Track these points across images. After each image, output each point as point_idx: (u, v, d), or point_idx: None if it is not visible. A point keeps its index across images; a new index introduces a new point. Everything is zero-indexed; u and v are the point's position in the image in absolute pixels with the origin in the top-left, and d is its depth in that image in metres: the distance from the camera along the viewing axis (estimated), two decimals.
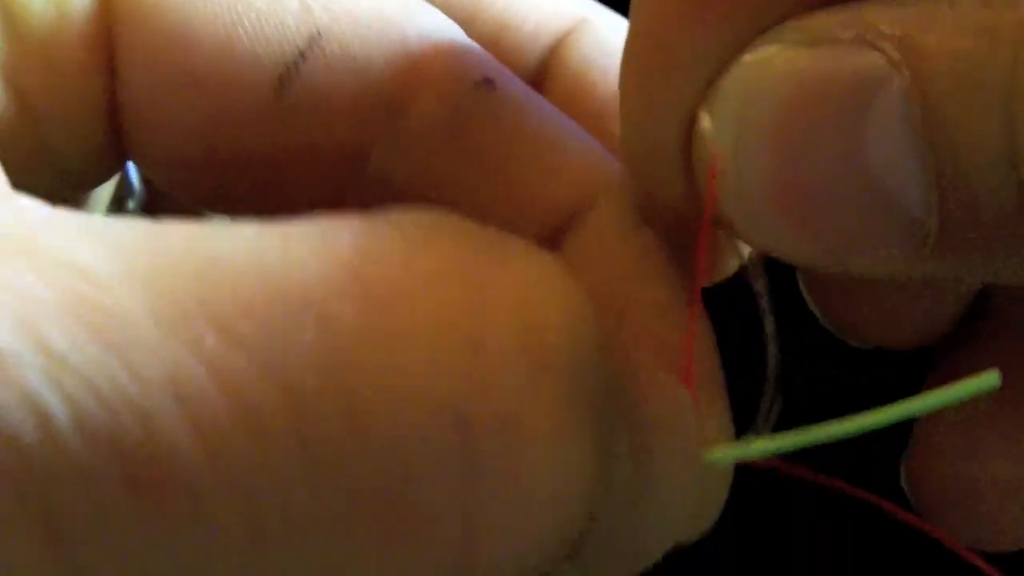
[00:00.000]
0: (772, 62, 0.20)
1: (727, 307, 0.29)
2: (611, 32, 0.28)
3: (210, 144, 0.24)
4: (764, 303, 0.24)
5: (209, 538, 0.16)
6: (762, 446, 0.21)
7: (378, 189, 0.25)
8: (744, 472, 0.22)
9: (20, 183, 0.19)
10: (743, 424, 0.23)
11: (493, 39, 0.27)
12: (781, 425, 0.22)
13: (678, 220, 0.24)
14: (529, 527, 0.17)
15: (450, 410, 0.16)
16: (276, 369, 0.16)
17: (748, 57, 0.21)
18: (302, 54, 0.24)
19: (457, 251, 0.18)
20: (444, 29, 0.25)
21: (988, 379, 0.19)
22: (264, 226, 0.18)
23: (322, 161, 0.25)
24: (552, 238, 0.25)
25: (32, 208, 0.18)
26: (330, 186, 0.25)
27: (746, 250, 0.25)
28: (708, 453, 0.21)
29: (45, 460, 0.15)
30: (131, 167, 0.29)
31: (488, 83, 0.25)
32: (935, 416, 0.25)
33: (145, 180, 0.31)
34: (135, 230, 0.17)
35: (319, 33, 0.24)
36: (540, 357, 0.17)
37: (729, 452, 0.21)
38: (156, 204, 0.31)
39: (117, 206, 0.31)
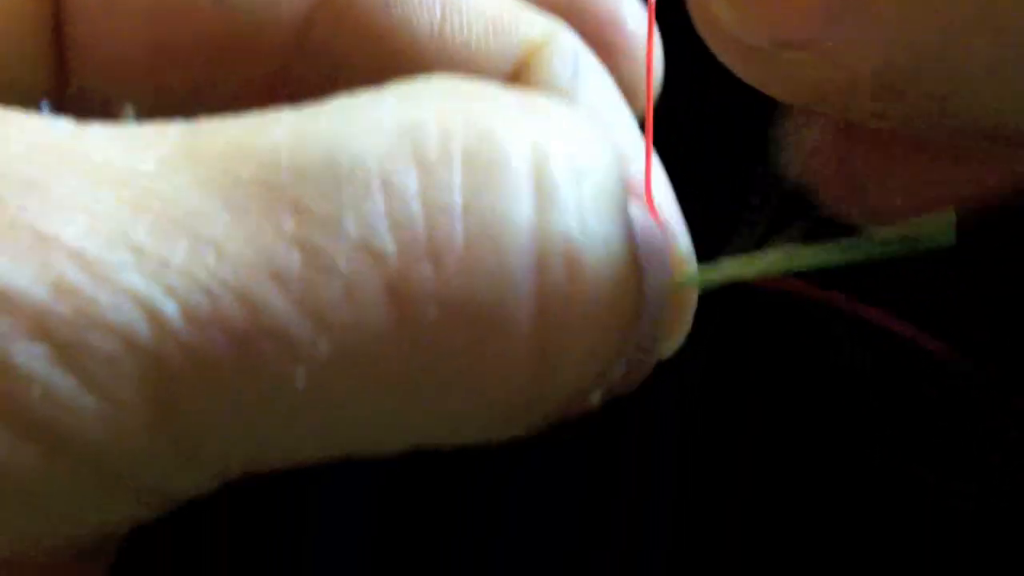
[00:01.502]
0: None
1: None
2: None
3: (155, 39, 0.25)
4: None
5: (312, 393, 0.17)
6: (729, 270, 0.23)
7: (321, 66, 0.26)
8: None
9: None
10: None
11: None
12: None
13: None
14: (595, 342, 0.19)
15: (530, 247, 0.18)
16: (358, 238, 0.17)
17: None
18: None
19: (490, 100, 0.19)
20: None
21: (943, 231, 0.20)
22: (302, 108, 0.19)
23: (265, 44, 0.25)
24: None
25: (70, 125, 0.18)
26: (273, 69, 0.26)
27: None
28: (678, 276, 0.22)
29: (160, 350, 0.16)
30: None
31: None
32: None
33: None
34: (172, 131, 0.18)
35: None
36: (588, 180, 0.19)
37: (696, 276, 0.23)
38: None
39: None
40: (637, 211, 0.21)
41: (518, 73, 0.26)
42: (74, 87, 0.27)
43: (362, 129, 0.18)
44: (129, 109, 0.27)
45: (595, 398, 0.22)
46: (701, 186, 0.26)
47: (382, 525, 0.32)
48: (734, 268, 0.23)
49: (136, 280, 0.16)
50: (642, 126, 0.25)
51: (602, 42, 0.28)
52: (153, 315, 0.16)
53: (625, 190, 0.20)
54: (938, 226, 0.20)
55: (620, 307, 0.19)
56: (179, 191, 0.17)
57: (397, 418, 0.18)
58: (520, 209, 0.18)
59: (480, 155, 0.18)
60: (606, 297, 0.18)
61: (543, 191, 0.18)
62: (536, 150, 0.18)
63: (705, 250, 0.24)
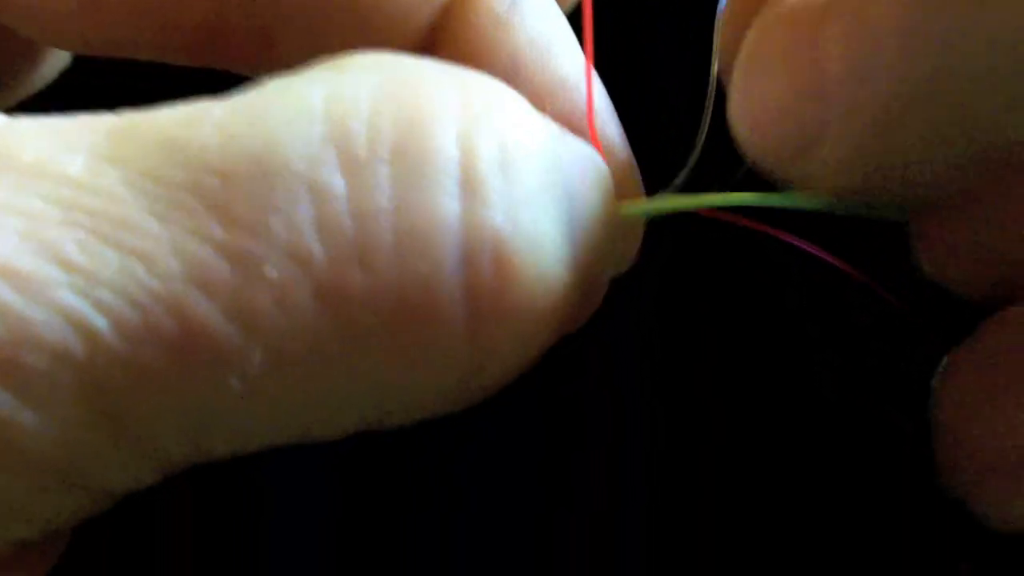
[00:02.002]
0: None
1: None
2: None
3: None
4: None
5: (249, 395, 0.17)
6: (668, 203, 0.23)
7: (253, 17, 0.25)
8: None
9: None
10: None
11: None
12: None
13: None
14: (529, 331, 0.19)
15: (458, 245, 0.18)
16: (286, 244, 0.17)
17: None
18: None
19: (412, 84, 0.19)
20: None
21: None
22: (232, 100, 0.18)
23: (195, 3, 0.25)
24: (434, 28, 0.25)
25: (1, 118, 0.18)
26: (202, 18, 0.25)
27: None
28: (624, 207, 0.22)
29: (94, 365, 0.17)
30: None
31: None
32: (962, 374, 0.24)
33: None
34: (102, 126, 0.18)
35: None
36: (516, 169, 0.19)
37: (641, 206, 0.23)
38: None
39: None
40: (575, 143, 0.21)
41: (453, 2, 0.25)
42: None
43: (289, 129, 0.18)
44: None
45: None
46: (648, 117, 0.26)
47: (342, 507, 0.32)
48: (679, 201, 0.23)
49: (67, 296, 0.17)
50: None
51: None
52: (86, 331, 0.17)
53: (560, 173, 0.20)
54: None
55: (553, 296, 0.19)
56: (107, 198, 0.17)
57: (335, 410, 0.19)
58: (447, 206, 0.18)
59: (407, 152, 0.18)
60: (538, 288, 0.19)
61: (470, 186, 0.18)
62: (464, 142, 0.18)
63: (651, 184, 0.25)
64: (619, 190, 0.22)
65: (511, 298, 0.18)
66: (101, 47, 0.26)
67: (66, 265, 0.17)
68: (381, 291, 0.17)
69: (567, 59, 0.25)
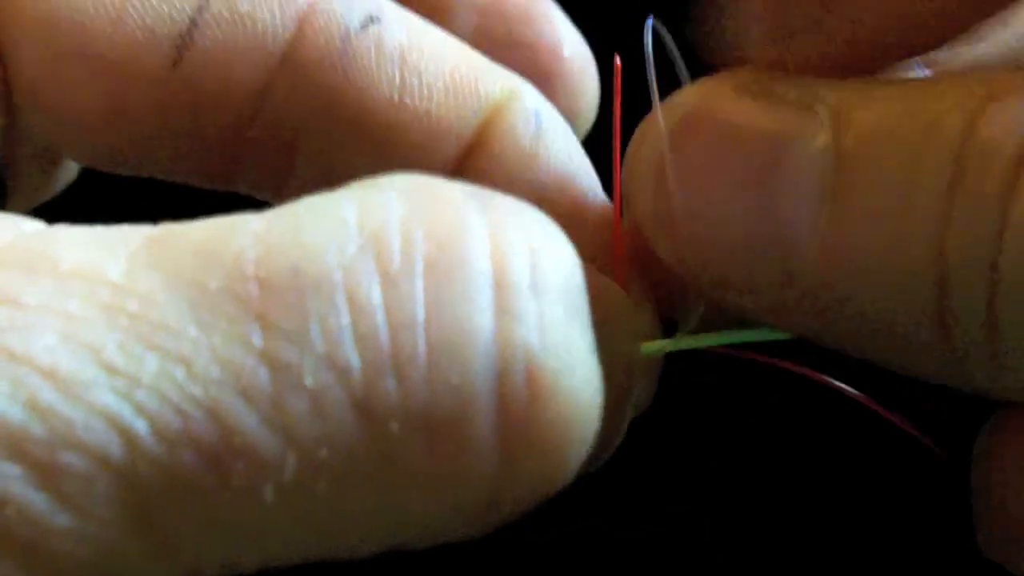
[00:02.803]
0: (682, 97, 0.23)
1: None
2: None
3: (109, 116, 0.25)
4: None
5: (282, 504, 0.18)
6: (686, 342, 0.24)
7: (278, 131, 0.26)
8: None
9: None
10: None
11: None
12: None
13: None
14: (557, 451, 0.19)
15: (491, 360, 0.18)
16: (324, 353, 0.18)
17: (687, 88, 0.23)
18: (193, 21, 0.25)
19: (446, 207, 0.19)
20: None
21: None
22: (268, 213, 0.19)
23: (221, 107, 0.26)
24: (461, 159, 0.26)
25: (36, 226, 0.19)
26: (228, 132, 0.26)
27: None
28: (644, 346, 0.23)
29: (132, 468, 0.17)
30: None
31: (374, 20, 0.26)
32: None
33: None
34: (140, 234, 0.18)
35: None
36: (547, 290, 0.19)
37: (661, 345, 0.24)
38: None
39: None
40: (599, 275, 0.22)
41: (480, 134, 0.26)
42: (22, 133, 0.27)
43: (327, 240, 0.18)
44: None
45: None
46: None
47: None
48: (700, 339, 0.24)
49: (108, 399, 0.17)
50: (608, 190, 0.26)
51: (541, 70, 0.28)
52: (125, 434, 0.17)
53: (586, 299, 0.20)
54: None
55: (582, 421, 0.19)
56: (148, 302, 0.17)
57: (365, 524, 0.19)
58: (481, 322, 0.18)
59: (441, 266, 0.18)
60: (569, 409, 0.19)
61: (503, 303, 0.18)
62: (496, 261, 0.19)
63: None
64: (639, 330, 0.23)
65: (542, 416, 0.18)
66: (120, 159, 0.27)
67: (107, 367, 0.17)
68: (414, 402, 0.18)
69: (589, 191, 0.26)
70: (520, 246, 0.19)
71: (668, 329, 0.25)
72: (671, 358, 0.24)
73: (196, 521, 0.17)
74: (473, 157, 0.26)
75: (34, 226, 0.19)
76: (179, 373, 0.17)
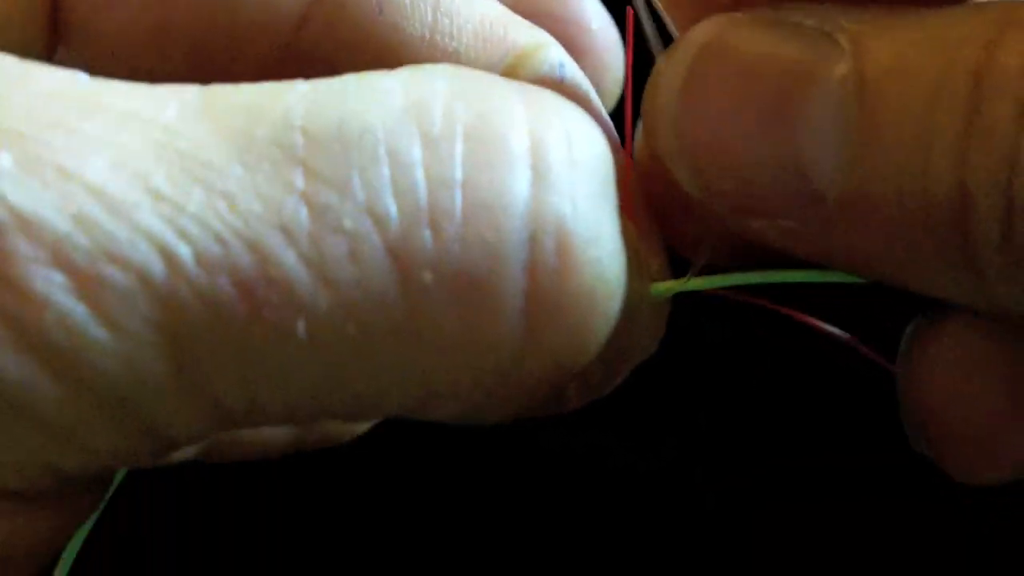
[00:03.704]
0: (698, 30, 0.23)
1: None
2: None
3: (151, 38, 0.26)
4: None
5: (312, 345, 0.18)
6: (695, 283, 0.24)
7: (312, 68, 0.26)
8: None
9: None
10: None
11: None
12: None
13: None
14: (579, 322, 0.20)
15: (524, 223, 0.19)
16: (363, 201, 0.18)
17: (704, 22, 0.23)
18: None
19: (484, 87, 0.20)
20: None
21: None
22: (318, 80, 0.20)
23: (261, 35, 0.26)
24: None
25: (91, 77, 0.19)
26: (265, 63, 0.27)
27: None
28: (654, 287, 0.24)
29: (172, 290, 0.17)
30: None
31: None
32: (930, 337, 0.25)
33: None
34: (191, 89, 0.19)
35: None
36: (581, 166, 0.20)
37: (670, 286, 0.24)
38: None
39: None
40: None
41: (506, 76, 0.26)
42: (68, 61, 0.27)
43: (372, 102, 0.19)
44: None
45: (572, 398, 0.24)
46: None
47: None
48: (709, 281, 0.24)
49: (153, 221, 0.17)
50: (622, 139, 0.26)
51: (568, 42, 0.29)
52: (168, 256, 0.17)
53: (615, 180, 0.21)
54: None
55: (606, 292, 0.20)
56: (196, 143, 0.18)
57: (388, 378, 0.19)
58: (517, 186, 0.19)
59: (481, 134, 0.19)
60: (593, 280, 0.20)
61: (539, 171, 0.19)
62: (534, 133, 0.20)
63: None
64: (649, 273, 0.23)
65: (569, 284, 0.19)
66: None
67: (154, 193, 0.17)
68: (447, 255, 0.18)
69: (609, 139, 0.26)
70: (557, 124, 0.20)
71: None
72: (677, 306, 0.25)
73: (229, 352, 0.18)
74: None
75: (87, 76, 0.19)
76: (222, 206, 0.18)
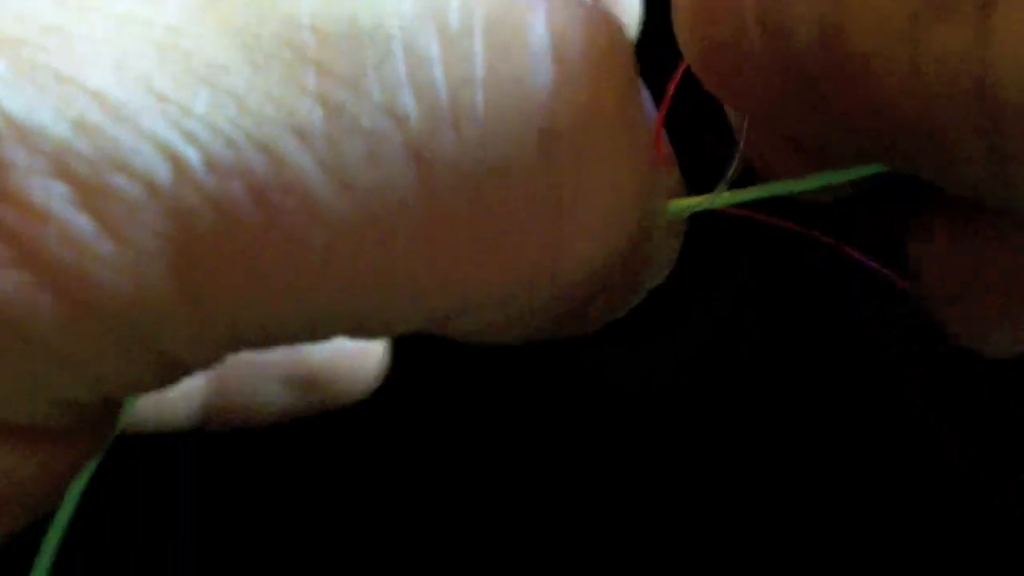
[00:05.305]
0: None
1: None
2: None
3: None
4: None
5: (330, 254, 0.17)
6: (711, 200, 0.23)
7: None
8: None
9: None
10: None
11: None
12: None
13: None
14: (602, 219, 0.19)
15: (537, 126, 0.18)
16: (380, 100, 0.17)
17: None
18: None
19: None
20: None
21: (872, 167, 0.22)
22: None
23: None
24: None
25: None
26: None
27: None
28: (673, 203, 0.23)
29: (181, 197, 0.16)
30: None
31: None
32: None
33: None
34: None
35: None
36: (606, 67, 0.19)
37: (689, 203, 0.24)
38: None
39: None
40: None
41: None
42: None
43: None
44: None
45: (592, 318, 0.23)
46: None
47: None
48: (716, 199, 0.23)
49: (159, 125, 0.16)
50: None
51: None
52: (175, 161, 0.16)
53: (637, 75, 0.20)
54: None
55: (628, 188, 0.19)
56: (200, 43, 0.17)
57: (410, 287, 0.18)
58: (538, 80, 0.18)
59: (499, 29, 0.18)
60: (616, 175, 0.19)
61: (562, 65, 0.18)
62: (555, 29, 0.19)
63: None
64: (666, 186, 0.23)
65: (592, 182, 0.18)
66: None
67: (158, 95, 0.16)
68: (470, 157, 0.17)
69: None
70: (578, 22, 0.19)
71: None
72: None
73: (242, 266, 0.17)
74: None
75: None
76: (231, 108, 0.17)
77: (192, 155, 0.16)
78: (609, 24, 0.20)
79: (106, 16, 0.17)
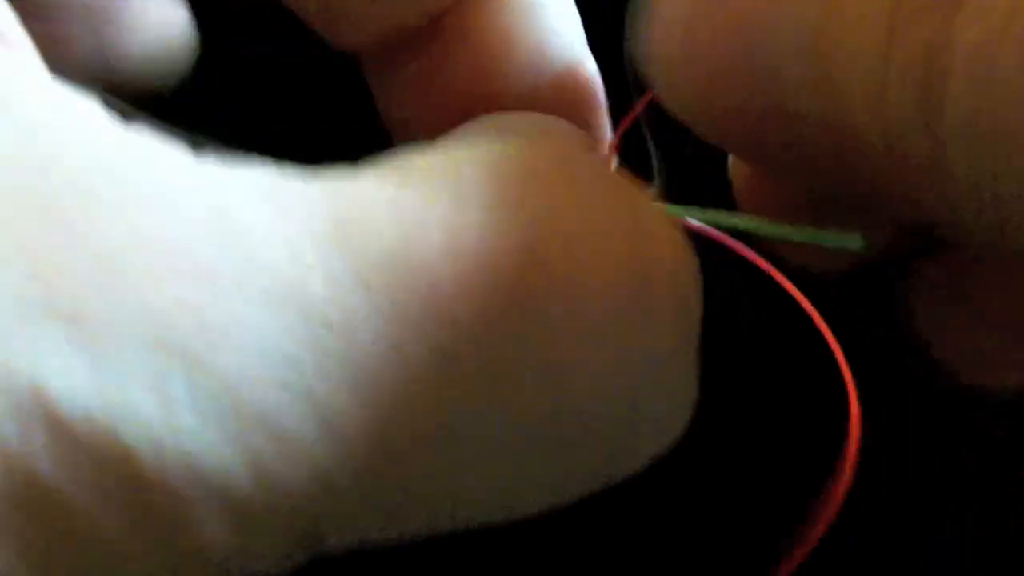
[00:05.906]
0: None
1: None
2: None
3: None
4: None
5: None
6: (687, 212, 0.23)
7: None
8: None
9: None
10: None
11: None
12: None
13: None
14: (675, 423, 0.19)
15: (615, 347, 0.17)
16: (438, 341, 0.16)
17: None
18: None
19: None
20: None
21: (853, 240, 0.22)
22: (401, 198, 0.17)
23: None
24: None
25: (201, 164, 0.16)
26: None
27: None
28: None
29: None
30: None
31: None
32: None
33: None
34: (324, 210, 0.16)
35: None
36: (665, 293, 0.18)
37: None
38: None
39: None
40: None
41: None
42: None
43: None
44: None
45: None
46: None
47: None
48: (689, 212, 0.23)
49: (319, 450, 0.15)
50: None
51: None
52: (329, 488, 0.15)
53: None
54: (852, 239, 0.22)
55: None
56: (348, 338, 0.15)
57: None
58: None
59: None
60: None
61: None
62: None
63: None
64: None
65: None
66: None
67: (314, 404, 0.15)
68: (556, 389, 0.17)
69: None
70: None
71: None
72: None
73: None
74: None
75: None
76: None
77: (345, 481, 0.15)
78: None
79: (256, 289, 0.15)
